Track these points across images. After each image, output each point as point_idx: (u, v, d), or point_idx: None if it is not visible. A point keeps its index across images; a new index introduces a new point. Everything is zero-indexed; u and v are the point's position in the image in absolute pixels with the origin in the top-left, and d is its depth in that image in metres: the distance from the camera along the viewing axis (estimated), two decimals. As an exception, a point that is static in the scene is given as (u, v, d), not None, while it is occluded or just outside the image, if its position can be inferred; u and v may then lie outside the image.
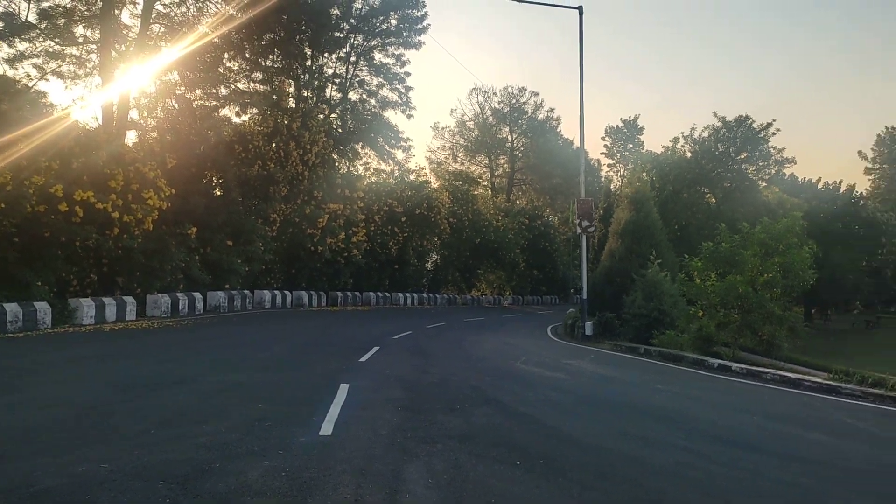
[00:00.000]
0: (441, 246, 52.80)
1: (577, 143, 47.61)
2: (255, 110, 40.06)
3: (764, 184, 49.79)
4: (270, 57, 41.73)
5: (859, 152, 74.50)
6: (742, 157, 48.46)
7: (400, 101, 49.95)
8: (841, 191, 53.60)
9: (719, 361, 16.87)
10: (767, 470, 6.66)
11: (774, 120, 48.23)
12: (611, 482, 5.99)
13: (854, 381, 13.24)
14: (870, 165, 72.74)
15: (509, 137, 76.61)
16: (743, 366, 15.88)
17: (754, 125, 47.87)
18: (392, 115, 51.09)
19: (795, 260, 19.76)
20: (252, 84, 41.76)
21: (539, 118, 76.07)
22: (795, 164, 50.93)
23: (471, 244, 53.61)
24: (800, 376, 14.24)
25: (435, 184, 58.11)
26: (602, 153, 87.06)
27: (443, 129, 77.40)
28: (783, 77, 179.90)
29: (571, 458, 6.73)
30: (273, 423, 7.62)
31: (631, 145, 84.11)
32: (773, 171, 50.81)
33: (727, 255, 20.67)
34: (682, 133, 49.74)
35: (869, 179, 70.48)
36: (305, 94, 45.16)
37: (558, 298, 64.41)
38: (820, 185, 53.98)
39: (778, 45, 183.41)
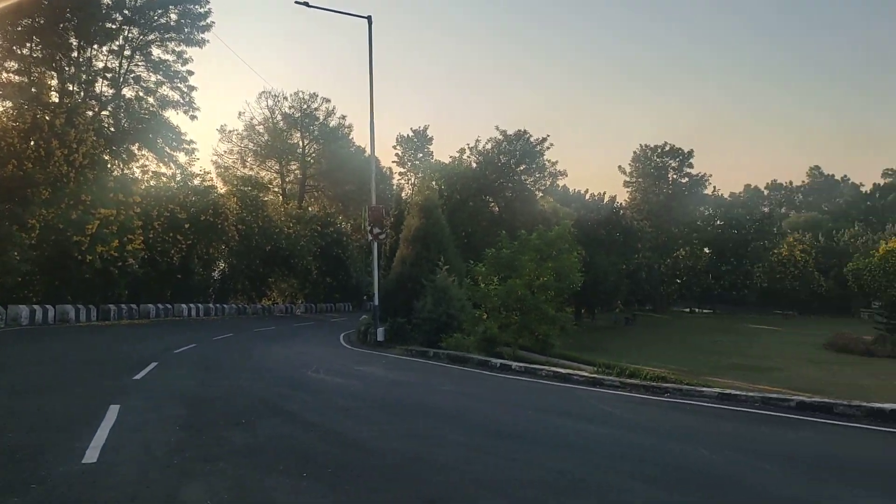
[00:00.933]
0: (229, 254, 50.59)
1: (368, 151, 48.51)
2: (9, 104, 35.59)
3: (541, 194, 53.86)
4: (28, 45, 37.34)
5: (619, 167, 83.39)
6: (521, 168, 52.04)
7: (182, 101, 47.20)
8: (604, 201, 59.74)
9: (501, 361, 17.92)
10: (540, 459, 7.19)
11: (549, 135, 52.38)
12: (397, 483, 6.11)
13: (614, 374, 14.78)
14: (628, 179, 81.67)
15: (301, 143, 75.45)
16: (522, 364, 17.03)
17: (532, 139, 51.72)
18: (173, 116, 48.18)
19: (566, 264, 21.65)
20: (6, 74, 37.11)
21: (331, 125, 75.84)
22: (567, 176, 55.89)
23: (261, 252, 52.00)
24: (570, 371, 15.59)
25: (222, 189, 55.62)
26: (394, 161, 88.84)
27: (230, 132, 74.29)
28: (559, 93, 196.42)
29: (360, 463, 6.77)
30: (26, 455, 6.78)
31: (421, 154, 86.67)
32: (549, 183, 55.17)
33: (508, 260, 22.12)
34: (468, 144, 52.40)
35: (627, 191, 79.06)
36: (71, 89, 41.00)
37: (352, 305, 64.58)
38: (588, 196, 59.74)
39: (555, 62, 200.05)
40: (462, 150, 52.44)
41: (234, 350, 20.77)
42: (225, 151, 73.52)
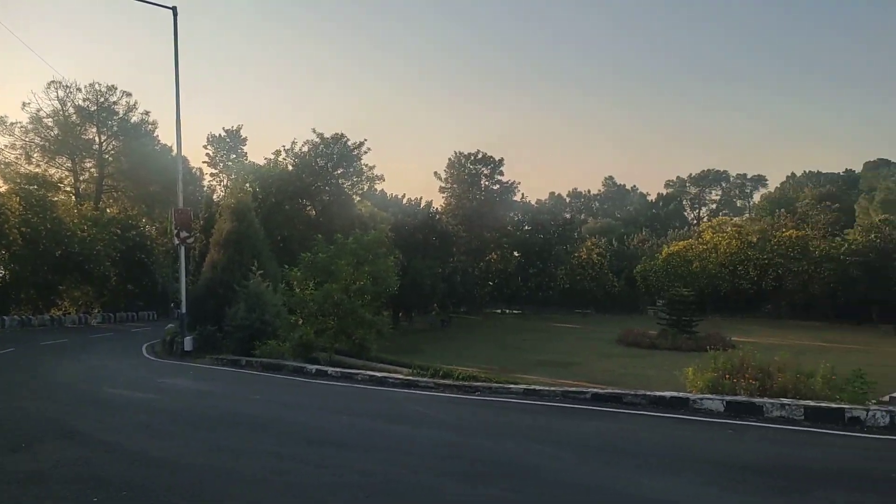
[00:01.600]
0: (10, 259, 45.27)
1: (175, 150, 44.97)
2: None
3: (358, 198, 53.92)
4: None
5: (435, 173, 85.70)
6: (339, 172, 51.74)
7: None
8: (421, 206, 61.09)
9: (317, 367, 17.68)
10: (353, 463, 7.19)
11: (366, 139, 52.56)
12: (201, 501, 5.80)
13: (429, 375, 15.16)
14: (443, 185, 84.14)
15: (97, 139, 69.29)
16: (338, 369, 16.91)
17: (349, 143, 51.62)
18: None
19: (383, 268, 21.86)
20: None
21: (133, 120, 70.36)
22: (384, 181, 56.38)
23: (50, 257, 47.03)
24: (386, 374, 15.74)
25: (2, 187, 49.64)
26: (205, 162, 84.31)
27: (12, 124, 66.43)
28: (377, 99, 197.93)
29: (160, 482, 6.35)
30: None
31: (234, 155, 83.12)
32: (367, 187, 55.37)
33: (324, 264, 21.88)
34: (284, 146, 50.93)
35: (443, 197, 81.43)
36: None
37: (157, 314, 60.37)
38: (405, 201, 60.73)
39: (374, 68, 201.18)
40: (278, 152, 51.04)
41: (17, 366, 18.64)
42: (6, 146, 65.65)
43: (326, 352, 20.59)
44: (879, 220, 67.77)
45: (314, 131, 51.03)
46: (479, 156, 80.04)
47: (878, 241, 63.47)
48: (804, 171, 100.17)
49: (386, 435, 9.05)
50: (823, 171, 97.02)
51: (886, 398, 20.99)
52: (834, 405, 9.56)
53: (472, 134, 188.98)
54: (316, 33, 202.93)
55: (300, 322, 21.43)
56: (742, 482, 6.45)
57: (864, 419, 9.09)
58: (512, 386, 13.38)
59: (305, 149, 50.60)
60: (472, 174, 79.62)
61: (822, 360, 18.54)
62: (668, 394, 10.90)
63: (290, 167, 49.52)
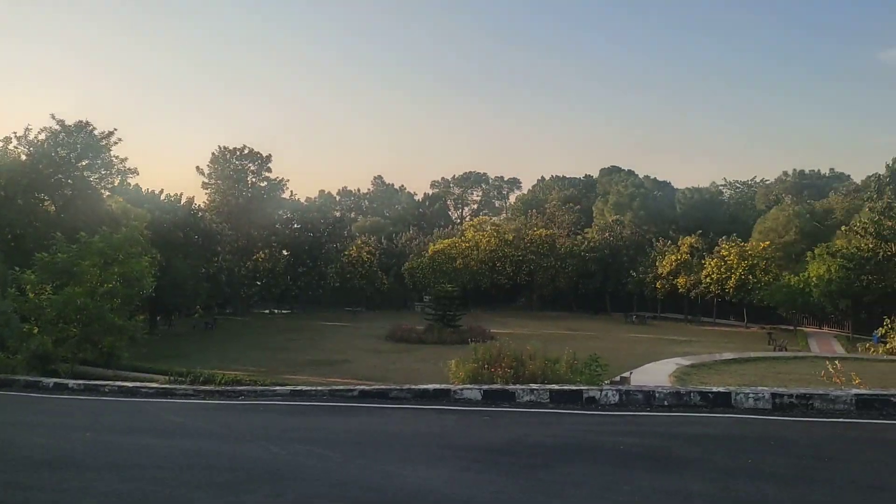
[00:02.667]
0: None
1: None
2: None
3: (108, 193, 49.13)
4: None
5: (197, 168, 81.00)
6: (84, 163, 46.71)
7: None
8: (182, 203, 57.32)
9: (56, 380, 15.79)
10: (97, 484, 6.51)
11: (116, 129, 47.92)
12: None
13: (187, 382, 14.30)
14: (206, 180, 79.79)
15: None
16: (81, 381, 15.26)
17: (96, 132, 46.79)
18: None
19: (136, 268, 20.14)
20: None
21: None
22: (139, 174, 51.80)
23: None
24: (138, 384, 14.52)
25: None
26: None
27: None
28: (129, 87, 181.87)
29: None
30: None
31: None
32: (118, 181, 50.61)
33: (65, 265, 19.63)
34: (16, 133, 44.57)
35: (206, 193, 77.18)
36: None
37: None
38: (163, 197, 56.52)
39: (129, 56, 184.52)
40: (7, 140, 44.53)
41: None
42: None
43: (68, 363, 18.47)
44: (612, 220, 76.89)
45: (54, 117, 45.40)
46: (246, 151, 77.21)
47: (611, 238, 72.03)
48: (552, 176, 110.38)
49: (136, 450, 8.33)
50: (567, 176, 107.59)
51: (618, 378, 23.87)
52: (574, 387, 10.62)
53: (238, 130, 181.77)
54: (68, 12, 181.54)
55: (35, 331, 18.97)
56: (495, 464, 6.90)
57: (599, 398, 10.21)
58: (278, 388, 13.06)
59: (42, 136, 44.88)
60: (237, 170, 76.57)
61: (566, 347, 20.61)
62: (431, 387, 11.34)
63: (24, 157, 43.65)
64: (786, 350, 37.41)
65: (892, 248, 44.01)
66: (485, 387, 10.97)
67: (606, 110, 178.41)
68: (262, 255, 74.78)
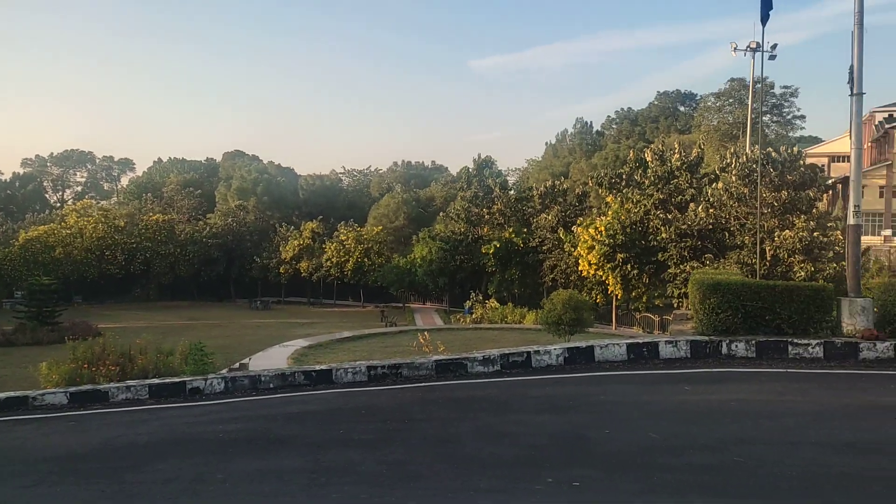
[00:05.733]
0: None
1: None
2: None
3: None
4: None
5: None
6: None
7: None
8: None
9: None
10: None
11: None
12: None
13: None
14: None
15: None
16: None
17: None
18: None
19: None
20: None
21: None
22: None
23: None
24: None
25: None
26: None
27: None
28: None
29: None
30: None
31: None
32: None
33: None
34: None
35: None
36: None
37: None
38: None
39: None
40: None
41: None
42: None
43: None
44: (235, 206, 75.59)
45: None
46: None
47: (235, 224, 70.82)
48: (170, 157, 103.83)
49: None
50: (188, 159, 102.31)
51: (237, 364, 23.61)
52: (176, 380, 10.16)
53: None
54: None
55: None
56: (74, 473, 6.26)
57: (204, 388, 9.93)
58: None
59: None
60: None
61: (185, 338, 19.62)
62: (2, 395, 9.76)
63: None
64: (396, 325, 41.12)
65: (478, 232, 51.45)
66: (72, 389, 9.85)
67: (232, 93, 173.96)
68: None
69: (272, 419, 8.27)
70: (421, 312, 54.28)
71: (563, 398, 8.49)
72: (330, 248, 62.23)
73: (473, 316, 42.45)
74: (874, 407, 7.51)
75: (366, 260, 60.73)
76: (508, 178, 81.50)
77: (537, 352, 10.41)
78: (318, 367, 10.35)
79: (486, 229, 50.93)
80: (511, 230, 49.00)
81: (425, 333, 17.65)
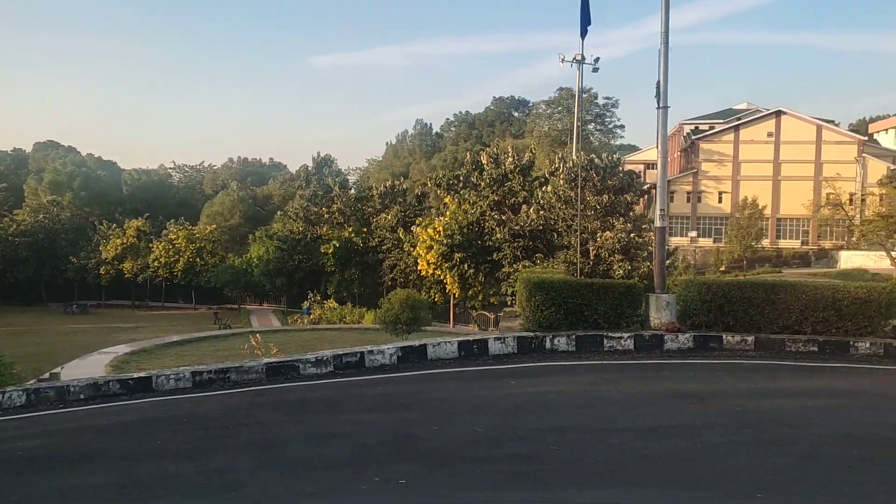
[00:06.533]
0: None
1: None
2: None
3: None
4: None
5: None
6: None
7: None
8: None
9: None
10: None
11: None
12: None
13: None
14: None
15: None
16: None
17: None
18: None
19: None
20: None
21: None
22: None
23: None
24: None
25: None
26: None
27: None
28: None
29: None
30: None
31: None
32: None
33: None
34: None
35: None
36: None
37: None
38: None
39: None
40: None
41: None
42: None
43: None
44: (48, 201, 68.96)
45: None
46: None
47: (47, 221, 64.56)
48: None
49: None
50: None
51: (47, 375, 21.51)
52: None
53: None
54: None
55: None
56: None
57: (2, 402, 8.96)
58: None
59: None
60: None
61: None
62: None
63: None
64: (230, 328, 39.40)
65: (317, 231, 50.56)
66: None
67: (42, 79, 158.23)
68: None
69: (80, 433, 7.62)
70: (258, 314, 52.50)
71: (395, 397, 8.55)
72: (158, 247, 58.50)
73: (312, 316, 41.78)
74: (674, 394, 8.24)
75: (198, 260, 57.75)
76: (349, 177, 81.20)
77: (371, 352, 10.41)
78: (136, 375, 9.66)
79: (325, 229, 50.25)
80: (351, 230, 48.76)
81: (258, 336, 17.05)
